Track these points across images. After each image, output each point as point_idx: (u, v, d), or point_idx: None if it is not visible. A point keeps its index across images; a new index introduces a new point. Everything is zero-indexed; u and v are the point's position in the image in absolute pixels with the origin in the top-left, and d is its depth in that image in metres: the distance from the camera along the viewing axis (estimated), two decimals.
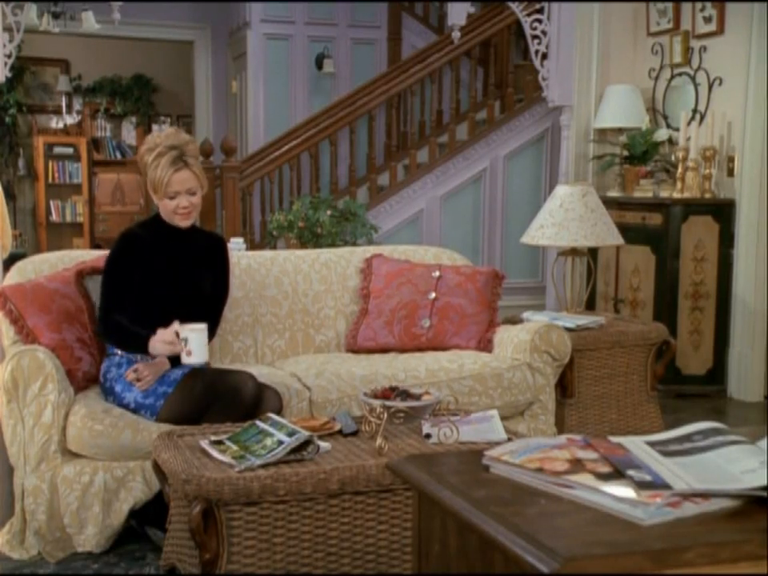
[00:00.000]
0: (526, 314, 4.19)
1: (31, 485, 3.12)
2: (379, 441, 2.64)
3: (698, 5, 5.56)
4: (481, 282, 3.99)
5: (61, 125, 10.68)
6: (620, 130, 5.98)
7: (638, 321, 4.28)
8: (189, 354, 2.84)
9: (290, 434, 2.63)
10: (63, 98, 10.64)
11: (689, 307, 5.35)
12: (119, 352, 3.30)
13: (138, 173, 10.74)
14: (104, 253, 3.79)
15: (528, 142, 7.27)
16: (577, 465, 1.35)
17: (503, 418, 3.53)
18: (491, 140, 7.22)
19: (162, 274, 3.31)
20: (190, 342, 2.86)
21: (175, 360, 3.24)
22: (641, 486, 1.27)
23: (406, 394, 2.76)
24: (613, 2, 6.09)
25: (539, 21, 6.09)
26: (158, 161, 3.23)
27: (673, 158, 5.62)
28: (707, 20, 5.52)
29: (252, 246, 7.08)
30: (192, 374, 3.20)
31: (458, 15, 5.95)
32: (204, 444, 2.70)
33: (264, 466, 2.53)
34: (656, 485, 1.28)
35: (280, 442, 2.60)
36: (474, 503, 1.27)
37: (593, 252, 5.88)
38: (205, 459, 2.61)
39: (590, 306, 5.96)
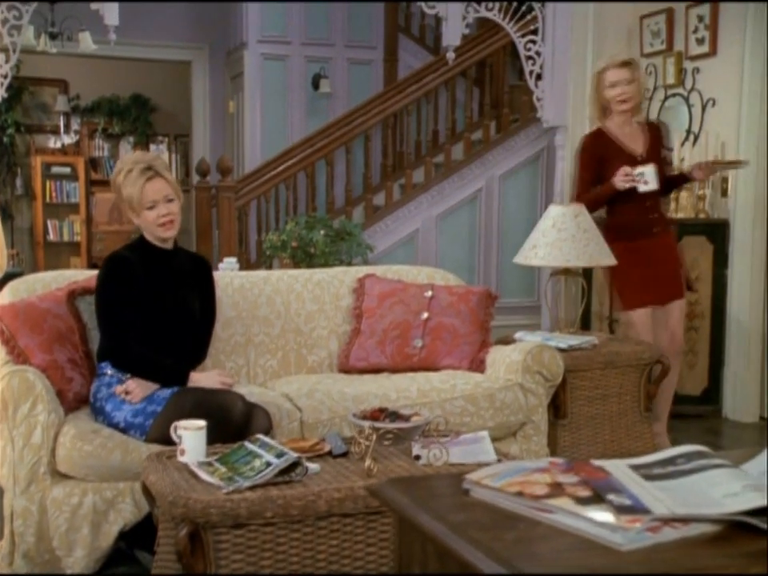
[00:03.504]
0: (518, 334, 4.18)
1: (20, 507, 3.11)
2: (368, 462, 2.63)
3: (691, 26, 5.59)
4: (473, 302, 3.99)
5: (59, 144, 10.72)
6: None
7: (631, 341, 4.27)
8: (182, 452, 2.77)
9: (279, 455, 2.62)
10: (61, 118, 10.67)
11: (684, 327, 5.34)
12: (109, 372, 3.30)
13: None
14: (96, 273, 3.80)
15: (524, 162, 7.29)
16: (557, 489, 1.34)
17: (496, 439, 3.53)
18: (487, 160, 7.24)
19: (152, 296, 3.31)
20: (185, 440, 2.79)
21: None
22: (620, 510, 1.26)
23: (395, 415, 2.75)
24: (607, 24, 6.10)
25: (533, 42, 6.11)
26: (129, 176, 3.29)
27: None
28: (700, 41, 5.54)
29: (248, 265, 7.09)
30: (181, 393, 3.20)
31: (452, 36, 5.97)
32: (193, 465, 2.69)
33: (252, 487, 2.51)
34: (636, 509, 1.27)
35: (268, 464, 2.59)
36: (452, 528, 1.26)
37: (587, 271, 5.88)
38: (193, 481, 2.59)
39: (585, 325, 5.96)
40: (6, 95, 5.10)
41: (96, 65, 9.96)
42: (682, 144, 5.46)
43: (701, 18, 5.54)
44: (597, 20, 6.09)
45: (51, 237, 10.61)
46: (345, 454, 2.85)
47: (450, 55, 6.02)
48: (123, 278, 3.29)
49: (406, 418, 2.75)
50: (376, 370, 3.89)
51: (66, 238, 10.72)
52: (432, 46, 8.77)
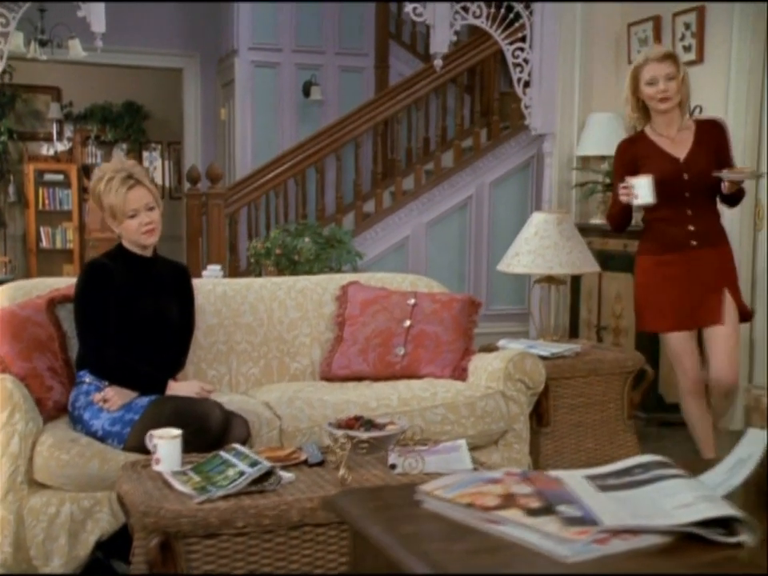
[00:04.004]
0: (501, 342, 4.17)
1: None
2: (342, 471, 2.62)
3: (678, 33, 5.59)
4: (456, 310, 3.97)
5: (51, 152, 10.71)
6: (603, 158, 5.98)
7: (615, 348, 4.26)
8: (157, 462, 2.76)
9: (253, 464, 2.61)
10: (54, 125, 10.67)
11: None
12: (87, 380, 3.29)
13: None
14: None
15: (514, 170, 7.28)
16: (508, 500, 1.33)
17: (477, 448, 3.54)
18: (477, 167, 7.24)
19: (131, 304, 3.31)
20: (160, 449, 2.77)
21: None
22: (569, 521, 1.25)
23: (370, 424, 2.74)
24: (595, 32, 6.11)
25: (521, 49, 6.12)
26: (109, 185, 3.28)
27: None
28: (687, 49, 5.54)
29: (238, 273, 7.09)
30: (159, 402, 3.19)
31: (440, 44, 5.98)
32: (167, 475, 2.68)
33: (225, 497, 2.50)
34: (585, 521, 1.25)
35: (242, 473, 2.58)
36: (402, 540, 1.25)
37: (575, 279, 5.87)
38: (166, 490, 2.58)
39: (574, 333, 5.96)
40: None
41: (89, 72, 9.95)
42: None
43: (687, 26, 5.55)
44: (584, 27, 6.10)
45: (44, 244, 10.60)
46: (321, 463, 2.84)
47: (438, 62, 6.03)
48: (102, 285, 3.29)
49: (381, 427, 2.74)
50: (358, 378, 3.88)
51: (58, 245, 10.71)
52: (423, 54, 8.75)
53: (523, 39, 6.14)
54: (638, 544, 1.23)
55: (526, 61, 6.13)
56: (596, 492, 1.36)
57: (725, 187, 3.78)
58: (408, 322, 3.92)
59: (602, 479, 1.41)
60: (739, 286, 3.97)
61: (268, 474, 2.59)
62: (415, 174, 7.33)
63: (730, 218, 5.26)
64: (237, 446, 2.79)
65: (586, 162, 6.17)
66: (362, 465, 2.81)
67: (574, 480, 1.40)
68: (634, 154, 3.92)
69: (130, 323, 3.30)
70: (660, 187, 3.72)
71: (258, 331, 3.96)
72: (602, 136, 5.92)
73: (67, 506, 3.10)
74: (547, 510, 1.29)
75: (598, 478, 1.41)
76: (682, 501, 1.30)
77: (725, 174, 3.74)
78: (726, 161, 3.85)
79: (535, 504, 1.31)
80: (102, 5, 5.26)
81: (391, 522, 1.32)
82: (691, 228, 3.83)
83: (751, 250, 5.30)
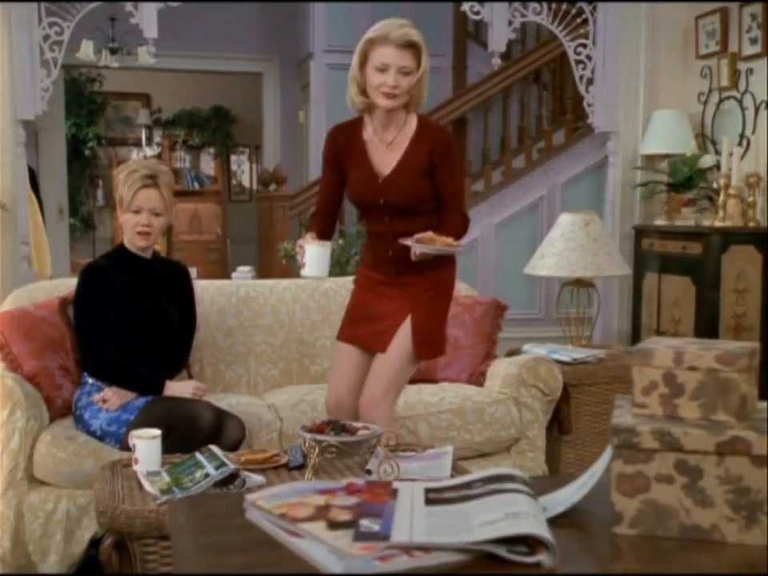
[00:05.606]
0: (526, 347, 4.04)
1: None
2: (308, 476, 2.57)
3: (744, 26, 5.33)
4: (479, 313, 3.87)
5: (140, 157, 10.97)
6: (666, 156, 5.76)
7: None
8: (136, 461, 2.76)
9: (219, 467, 2.58)
10: (143, 131, 10.94)
11: (731, 340, 5.07)
12: (90, 380, 3.32)
13: (216, 202, 10.98)
14: None
15: (587, 170, 7.06)
16: (321, 511, 1.25)
17: (486, 455, 3.44)
18: (549, 167, 7.06)
19: (129, 305, 3.32)
20: (138, 449, 2.77)
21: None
22: (360, 536, 1.16)
23: (341, 429, 2.67)
24: (661, 26, 5.88)
25: (584, 45, 5.94)
26: (130, 177, 3.31)
27: (715, 185, 5.37)
28: (753, 41, 5.28)
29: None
30: (153, 402, 3.20)
31: (498, 42, 5.86)
32: (141, 475, 2.68)
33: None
34: (379, 536, 1.17)
35: (207, 475, 2.56)
36: (194, 550, 1.20)
37: (637, 282, 5.67)
38: (135, 491, 2.58)
39: (636, 338, 5.75)
40: (46, 108, 5.22)
41: (178, 78, 10.16)
42: (730, 152, 5.18)
43: (754, 17, 5.28)
44: (650, 22, 5.87)
45: None
46: (301, 467, 2.80)
47: (496, 61, 5.93)
48: (100, 288, 3.31)
49: (353, 432, 2.67)
50: None
51: None
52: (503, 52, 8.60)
53: (586, 36, 5.96)
54: (426, 562, 1.13)
55: (588, 57, 5.95)
56: (421, 506, 1.27)
57: (413, 254, 2.90)
58: None
59: (439, 492, 1.32)
60: (439, 317, 3.23)
61: (233, 476, 2.56)
62: (485, 176, 7.21)
63: None
64: (212, 447, 2.76)
65: (650, 160, 5.94)
66: (339, 470, 2.75)
67: (409, 492, 1.32)
68: (343, 153, 3.14)
69: (129, 324, 3.32)
70: (360, 205, 3.21)
71: (279, 333, 3.94)
72: (666, 134, 5.69)
73: (64, 503, 3.14)
74: (351, 523, 1.21)
75: (435, 491, 1.32)
76: (489, 518, 1.20)
77: (411, 242, 2.89)
78: (442, 187, 3.05)
79: (344, 517, 1.23)
80: (153, 11, 5.34)
81: (199, 532, 1.26)
82: (390, 253, 3.10)
83: None
